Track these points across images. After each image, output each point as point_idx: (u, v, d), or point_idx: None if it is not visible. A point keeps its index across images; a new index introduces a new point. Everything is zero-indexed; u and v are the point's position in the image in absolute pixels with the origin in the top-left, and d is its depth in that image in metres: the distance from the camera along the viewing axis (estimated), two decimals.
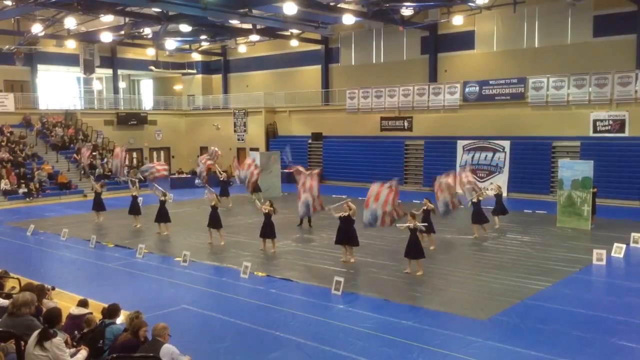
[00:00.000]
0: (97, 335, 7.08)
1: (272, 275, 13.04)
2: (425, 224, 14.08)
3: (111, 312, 7.42)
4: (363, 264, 13.91)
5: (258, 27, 31.55)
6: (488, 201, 18.56)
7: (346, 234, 14.00)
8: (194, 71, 43.08)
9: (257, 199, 18.23)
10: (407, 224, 12.85)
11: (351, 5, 27.68)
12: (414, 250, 12.77)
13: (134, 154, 37.70)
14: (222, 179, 24.54)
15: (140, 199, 20.07)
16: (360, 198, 25.92)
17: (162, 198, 17.84)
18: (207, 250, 15.84)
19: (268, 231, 15.19)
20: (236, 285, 12.43)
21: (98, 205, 20.71)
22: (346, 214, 13.88)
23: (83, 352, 6.50)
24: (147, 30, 32.86)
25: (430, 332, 9.31)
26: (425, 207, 15.20)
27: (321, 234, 17.57)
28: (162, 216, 17.89)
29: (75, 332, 7.43)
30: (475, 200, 16.85)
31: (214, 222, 16.29)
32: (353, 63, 35.38)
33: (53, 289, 9.15)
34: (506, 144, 27.03)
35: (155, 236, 17.76)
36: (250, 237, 16.75)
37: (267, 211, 15.15)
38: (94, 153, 31.75)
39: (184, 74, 43.52)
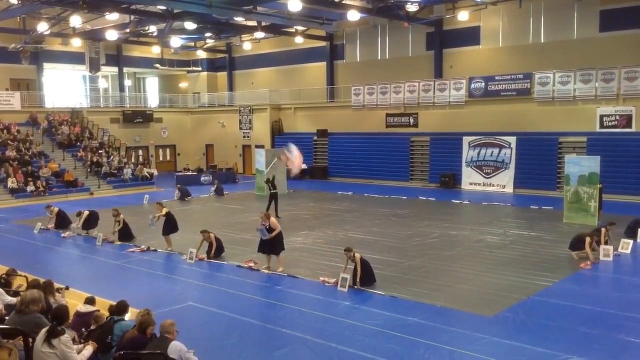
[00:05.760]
0: (106, 331, 7.18)
1: (278, 272, 13.05)
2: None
3: (120, 309, 7.63)
4: (369, 261, 13.86)
5: (263, 24, 31.60)
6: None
7: (270, 244, 13.16)
8: (200, 69, 43.18)
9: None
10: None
11: (356, 1, 27.67)
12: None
13: (140, 152, 37.91)
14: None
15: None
16: (366, 195, 26.23)
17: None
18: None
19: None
20: (242, 282, 12.45)
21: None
22: (267, 223, 13.06)
23: (89, 348, 6.55)
24: (153, 28, 32.94)
25: (437, 329, 9.30)
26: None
27: (327, 231, 17.61)
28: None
29: (83, 329, 7.48)
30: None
31: (173, 228, 15.78)
32: (358, 60, 35.33)
33: (67, 289, 9.19)
34: (512, 140, 26.94)
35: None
36: (255, 235, 16.70)
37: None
38: (100, 151, 31.90)
39: (189, 72, 43.61)
